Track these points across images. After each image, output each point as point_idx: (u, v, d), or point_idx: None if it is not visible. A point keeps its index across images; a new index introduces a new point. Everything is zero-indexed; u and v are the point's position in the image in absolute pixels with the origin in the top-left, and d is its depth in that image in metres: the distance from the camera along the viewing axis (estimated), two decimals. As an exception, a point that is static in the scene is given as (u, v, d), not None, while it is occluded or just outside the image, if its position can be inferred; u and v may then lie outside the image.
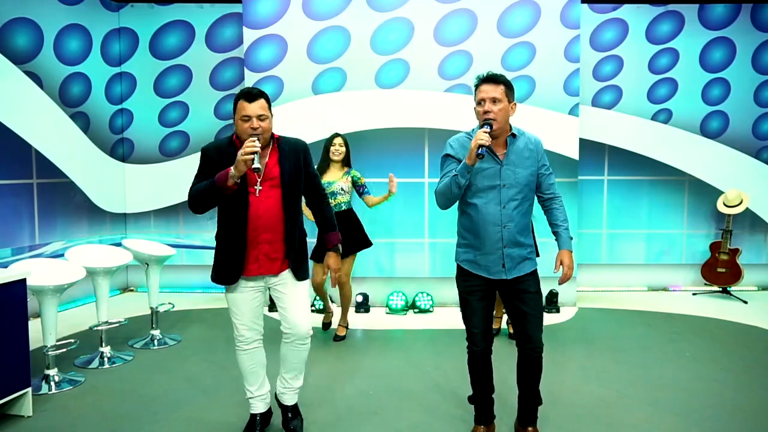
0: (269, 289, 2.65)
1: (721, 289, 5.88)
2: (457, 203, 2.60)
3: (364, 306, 5.28)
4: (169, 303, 4.51)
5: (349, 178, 4.26)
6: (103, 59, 5.78)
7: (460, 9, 5.31)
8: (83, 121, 5.56)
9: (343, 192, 4.23)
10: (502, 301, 2.68)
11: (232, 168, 2.33)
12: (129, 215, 6.13)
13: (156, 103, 6.03)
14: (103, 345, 3.85)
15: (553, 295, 5.21)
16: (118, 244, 4.41)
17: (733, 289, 5.87)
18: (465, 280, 2.60)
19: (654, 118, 6.07)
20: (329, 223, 2.76)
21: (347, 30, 5.33)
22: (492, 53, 5.32)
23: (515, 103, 2.51)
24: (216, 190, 2.36)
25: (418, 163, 5.43)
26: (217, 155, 2.48)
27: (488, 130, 2.36)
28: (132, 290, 6.17)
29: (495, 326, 4.41)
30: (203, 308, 5.37)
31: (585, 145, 5.78)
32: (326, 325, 4.52)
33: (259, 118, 2.42)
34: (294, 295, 2.62)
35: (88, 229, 5.65)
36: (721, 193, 5.99)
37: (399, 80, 5.37)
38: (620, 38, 5.96)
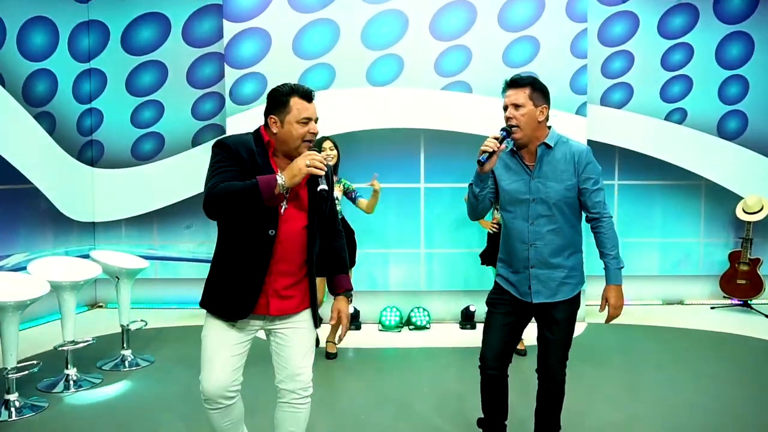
0: (269, 335, 2.34)
1: (741, 302, 5.91)
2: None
3: (354, 322, 5.26)
4: (142, 320, 4.49)
5: (341, 187, 4.29)
6: (71, 55, 5.77)
7: (458, 0, 5.34)
8: (48, 122, 5.54)
9: (336, 202, 4.24)
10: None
11: (279, 176, 2.06)
12: (98, 224, 6.09)
13: (128, 102, 6.02)
14: (69, 367, 3.83)
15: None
16: (86, 256, 4.39)
17: (754, 302, 5.89)
18: (496, 291, 2.61)
19: (667, 118, 6.12)
20: (341, 263, 2.46)
21: (336, 23, 5.35)
22: (492, 48, 5.35)
23: (546, 107, 2.43)
24: (256, 197, 2.05)
25: (413, 166, 5.44)
26: (246, 152, 2.17)
27: (500, 136, 2.37)
28: (101, 306, 6.13)
29: None
30: (178, 326, 5.34)
31: (593, 147, 5.68)
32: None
33: (316, 121, 2.22)
34: (303, 341, 2.33)
35: (53, 240, 5.61)
36: (740, 198, 6.03)
37: (392, 77, 5.39)
38: (630, 32, 6.01)
